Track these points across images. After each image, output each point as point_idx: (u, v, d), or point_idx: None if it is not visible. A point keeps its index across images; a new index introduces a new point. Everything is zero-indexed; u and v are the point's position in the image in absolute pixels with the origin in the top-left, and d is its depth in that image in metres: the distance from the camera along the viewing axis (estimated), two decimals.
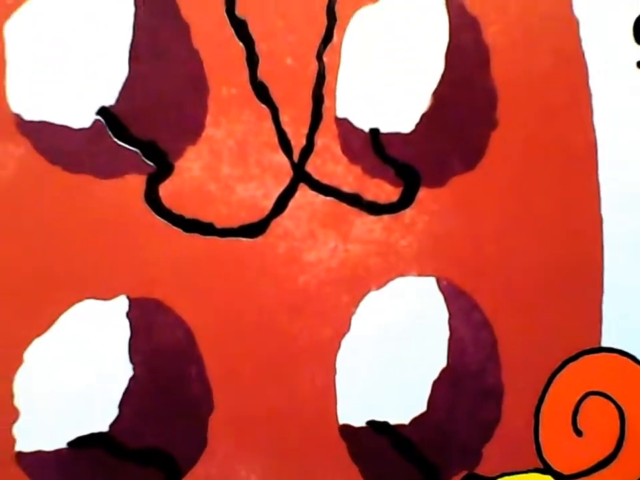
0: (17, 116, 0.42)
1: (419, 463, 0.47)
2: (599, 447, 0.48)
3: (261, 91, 0.44)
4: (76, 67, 0.43)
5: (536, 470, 0.48)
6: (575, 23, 0.47)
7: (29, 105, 0.42)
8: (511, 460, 0.48)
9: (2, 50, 0.42)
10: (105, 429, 0.44)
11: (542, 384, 0.48)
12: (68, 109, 0.43)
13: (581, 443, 0.48)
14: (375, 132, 0.46)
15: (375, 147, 0.46)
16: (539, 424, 0.48)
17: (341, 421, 0.46)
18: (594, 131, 0.47)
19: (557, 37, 0.47)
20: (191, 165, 0.44)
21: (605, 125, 0.47)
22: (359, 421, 0.46)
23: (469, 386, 0.47)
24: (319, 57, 0.45)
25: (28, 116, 0.42)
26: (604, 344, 0.48)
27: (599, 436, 0.48)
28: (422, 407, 0.47)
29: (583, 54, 0.47)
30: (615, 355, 0.49)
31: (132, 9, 0.43)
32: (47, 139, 0.43)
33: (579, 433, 0.48)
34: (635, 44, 0.47)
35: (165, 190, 0.43)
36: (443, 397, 0.47)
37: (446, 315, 0.47)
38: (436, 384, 0.47)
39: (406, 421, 0.47)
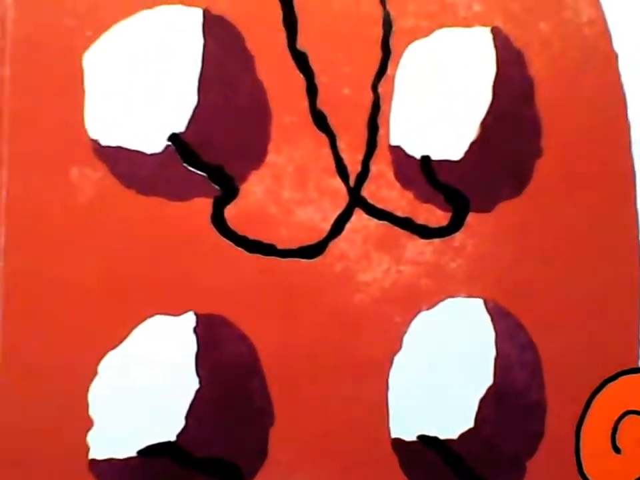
0: (95, 142, 0.49)
1: (466, 476, 0.54)
2: (637, 464, 0.55)
3: (320, 120, 0.51)
4: (149, 96, 0.49)
5: None
6: (615, 57, 0.54)
7: (106, 131, 0.49)
8: (553, 474, 0.54)
9: (81, 79, 0.49)
10: (173, 438, 0.50)
11: (583, 402, 0.55)
12: (141, 135, 0.49)
13: (619, 459, 0.55)
14: (426, 159, 0.53)
15: (426, 174, 0.53)
16: (579, 440, 0.55)
17: (393, 435, 0.53)
18: (632, 159, 0.55)
19: (597, 70, 0.54)
20: (254, 189, 0.51)
21: None
22: (410, 435, 0.53)
23: (514, 403, 0.54)
24: (374, 88, 0.52)
25: (105, 141, 0.49)
26: None
27: (636, 453, 0.55)
28: (469, 423, 0.54)
29: (622, 86, 0.54)
30: None
31: (201, 42, 0.50)
32: (122, 163, 0.49)
33: (617, 450, 0.55)
34: None
35: (230, 212, 0.50)
36: (490, 413, 0.54)
37: (492, 334, 0.54)
38: (483, 401, 0.54)
39: (454, 436, 0.53)
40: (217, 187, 0.50)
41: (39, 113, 0.48)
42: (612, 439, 0.55)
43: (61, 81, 0.48)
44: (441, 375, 0.53)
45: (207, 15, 0.50)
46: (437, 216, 0.53)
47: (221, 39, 0.50)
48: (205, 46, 0.50)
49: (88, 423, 0.49)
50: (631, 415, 0.55)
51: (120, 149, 0.49)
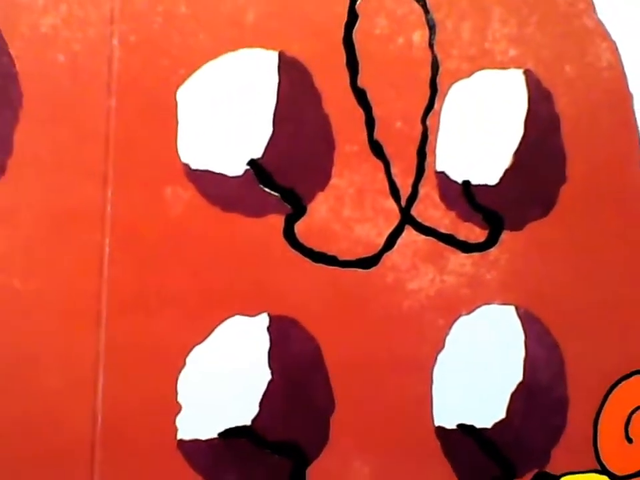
0: (186, 165, 0.58)
1: (499, 460, 0.63)
2: None
3: (377, 149, 0.60)
4: (232, 126, 0.59)
5: (594, 471, 0.63)
6: (630, 97, 0.63)
7: (195, 156, 0.58)
8: (574, 461, 0.63)
9: (175, 111, 0.58)
10: (248, 422, 0.59)
11: (600, 397, 0.63)
12: (225, 160, 0.59)
13: (631, 448, 0.63)
14: (466, 183, 0.62)
15: (466, 196, 0.62)
16: (597, 432, 0.63)
17: (436, 424, 0.62)
18: None
19: (614, 108, 0.63)
20: (320, 208, 0.60)
21: None
22: (450, 424, 0.62)
23: (540, 398, 0.63)
24: (423, 121, 0.61)
25: (194, 165, 0.58)
26: None
27: None
28: (502, 414, 0.63)
29: (636, 122, 0.63)
30: None
31: (276, 80, 0.59)
32: (208, 184, 0.58)
33: (630, 440, 0.63)
34: None
35: (299, 228, 0.59)
36: (519, 406, 0.63)
37: (522, 337, 0.63)
38: (513, 395, 0.63)
39: (489, 425, 0.62)
40: (288, 205, 0.59)
41: (139, 140, 0.57)
42: (625, 431, 0.63)
43: (158, 112, 0.58)
44: (477, 371, 0.62)
45: (282, 57, 0.59)
46: (475, 233, 0.62)
47: (293, 78, 0.59)
48: (279, 83, 0.58)
49: (177, 408, 0.58)
50: None
51: (207, 172, 0.58)
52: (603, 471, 0.62)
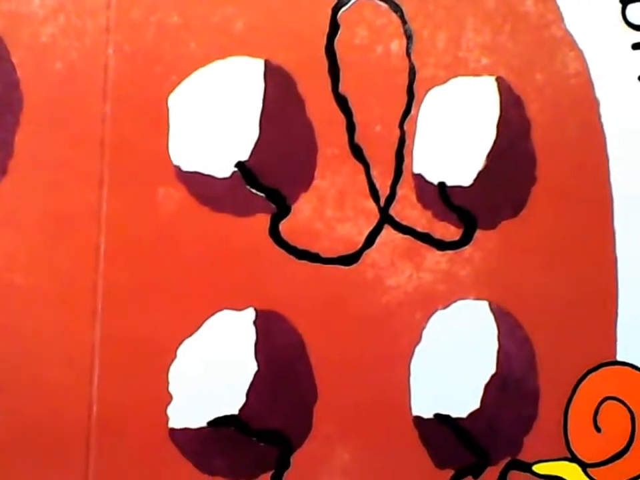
0: (177, 167, 0.59)
1: (473, 448, 0.63)
2: (615, 442, 0.63)
3: (357, 152, 0.61)
4: (220, 130, 0.61)
5: (565, 458, 0.63)
6: (596, 103, 0.63)
7: (186, 158, 0.59)
8: (545, 450, 0.63)
9: (167, 116, 0.61)
10: (236, 412, 0.62)
11: (570, 389, 0.63)
12: (214, 162, 0.61)
13: (600, 438, 0.63)
14: (442, 185, 0.62)
15: (442, 197, 0.62)
16: (567, 421, 0.63)
17: (414, 413, 0.62)
18: (610, 187, 0.63)
19: (581, 114, 0.62)
20: (303, 208, 0.62)
21: (619, 182, 0.63)
22: (427, 414, 0.62)
23: (513, 389, 0.63)
24: (401, 126, 0.61)
25: (185, 167, 0.59)
26: (618, 358, 0.63)
27: (614, 433, 0.63)
28: (476, 405, 0.63)
29: (602, 126, 0.63)
30: (627, 367, 0.62)
31: (262, 86, 0.62)
32: (198, 185, 0.61)
33: (598, 429, 0.63)
34: None
35: (284, 227, 0.60)
36: (493, 397, 0.63)
37: (495, 331, 0.63)
38: (487, 386, 0.63)
39: (464, 415, 0.63)
40: (273, 205, 0.60)
41: (133, 143, 0.60)
42: (594, 420, 0.63)
43: (150, 117, 0.60)
44: (453, 363, 0.62)
45: (267, 65, 0.60)
46: (450, 232, 0.62)
47: (278, 85, 0.60)
48: (265, 90, 0.60)
49: (168, 398, 0.60)
50: (609, 400, 0.62)
51: (197, 173, 0.60)
52: (573, 458, 0.63)
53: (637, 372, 0.63)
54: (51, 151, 0.60)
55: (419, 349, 0.62)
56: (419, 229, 0.62)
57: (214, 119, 0.60)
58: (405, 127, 0.62)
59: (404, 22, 0.62)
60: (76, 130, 0.60)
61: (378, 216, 0.62)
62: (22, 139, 0.60)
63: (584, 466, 0.63)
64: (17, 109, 0.60)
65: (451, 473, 0.63)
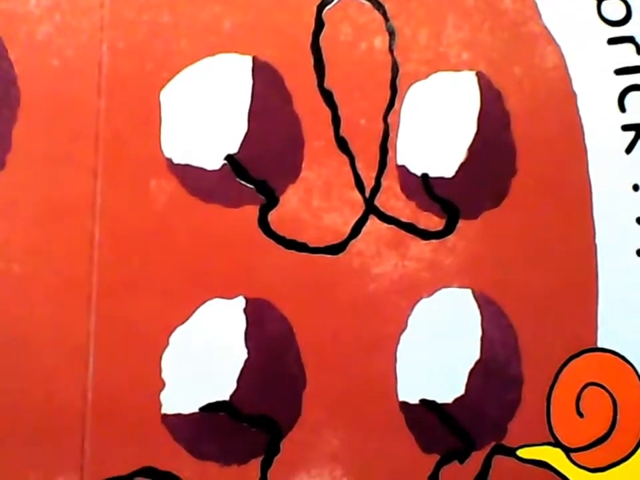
0: (169, 160, 0.64)
1: (459, 433, 0.66)
2: (597, 426, 0.66)
3: (342, 144, 0.64)
4: (210, 124, 0.65)
5: (548, 443, 0.66)
6: (574, 96, 0.66)
7: (177, 151, 0.63)
8: (529, 435, 0.66)
9: (159, 111, 0.65)
10: (227, 398, 0.64)
11: (553, 375, 0.66)
12: (204, 155, 0.64)
13: (582, 423, 0.66)
14: (425, 176, 0.65)
15: (425, 188, 0.65)
16: (550, 407, 0.66)
17: (400, 399, 0.65)
18: (588, 176, 0.66)
19: (559, 107, 0.66)
20: (291, 199, 0.66)
21: (596, 173, 0.66)
22: (413, 399, 0.65)
23: (497, 375, 0.66)
24: (385, 119, 0.65)
25: (176, 160, 0.63)
26: (599, 345, 0.66)
27: (596, 418, 0.66)
28: (461, 391, 0.66)
29: (580, 119, 0.66)
30: (608, 354, 0.66)
31: (250, 82, 0.66)
32: (189, 177, 0.65)
33: (580, 415, 0.65)
34: (620, 112, 0.66)
35: (272, 217, 0.64)
36: (477, 383, 0.66)
37: (479, 318, 0.66)
38: (471, 373, 0.66)
39: (449, 401, 0.66)
40: (262, 197, 0.64)
41: (126, 137, 0.65)
42: (576, 406, 0.65)
43: (143, 112, 0.64)
44: (438, 349, 0.66)
45: (255, 61, 0.64)
46: (434, 222, 0.65)
47: (266, 80, 0.64)
48: (253, 85, 0.64)
49: (161, 384, 0.63)
50: (591, 386, 0.65)
51: (188, 166, 0.64)
52: (557, 443, 0.66)
53: (618, 358, 0.66)
54: (47, 145, 0.64)
55: (404, 336, 0.65)
56: (404, 219, 0.66)
57: (204, 114, 0.64)
58: (389, 120, 0.65)
59: (386, 19, 0.65)
60: (71, 124, 0.64)
61: (363, 206, 0.65)
62: (19, 133, 0.64)
63: (567, 450, 0.65)
64: (14, 104, 0.64)
65: (437, 457, 0.66)
